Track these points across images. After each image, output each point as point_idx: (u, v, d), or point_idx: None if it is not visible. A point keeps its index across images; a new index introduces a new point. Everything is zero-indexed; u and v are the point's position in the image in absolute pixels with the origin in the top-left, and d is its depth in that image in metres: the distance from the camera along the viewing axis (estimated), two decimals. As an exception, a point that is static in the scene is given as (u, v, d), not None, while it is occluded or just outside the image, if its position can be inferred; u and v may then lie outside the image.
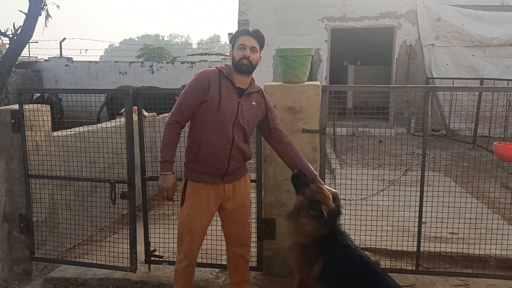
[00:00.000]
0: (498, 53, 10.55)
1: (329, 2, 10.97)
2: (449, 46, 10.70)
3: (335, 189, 2.70)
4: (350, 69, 12.71)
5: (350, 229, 3.24)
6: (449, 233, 3.71)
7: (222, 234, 2.98)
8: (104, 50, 36.24)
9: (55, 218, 3.86)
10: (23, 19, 9.77)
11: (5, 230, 3.66)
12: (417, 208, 3.31)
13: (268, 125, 2.75)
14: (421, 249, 3.42)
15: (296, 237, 2.62)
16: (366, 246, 3.67)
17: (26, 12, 9.75)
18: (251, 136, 2.82)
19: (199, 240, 2.75)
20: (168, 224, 3.67)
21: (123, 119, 4.69)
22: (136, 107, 3.58)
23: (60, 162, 3.74)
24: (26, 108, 3.54)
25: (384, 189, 3.33)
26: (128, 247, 3.50)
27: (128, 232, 3.53)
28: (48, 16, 10.93)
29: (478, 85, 9.16)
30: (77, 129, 4.32)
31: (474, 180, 3.71)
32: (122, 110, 4.60)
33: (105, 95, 8.11)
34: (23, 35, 9.87)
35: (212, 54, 18.87)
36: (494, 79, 9.87)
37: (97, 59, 18.33)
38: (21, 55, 11.60)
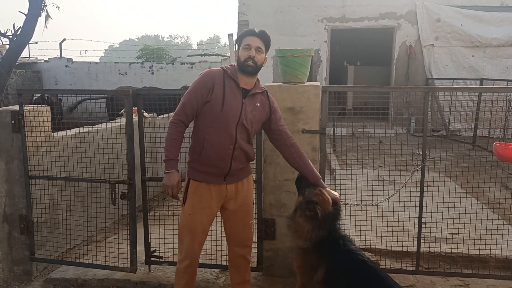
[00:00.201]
0: (498, 53, 10.56)
1: (329, 3, 10.98)
2: (449, 47, 10.70)
3: (335, 189, 2.71)
4: (350, 69, 12.73)
5: (350, 230, 3.24)
6: (449, 233, 3.71)
7: (222, 235, 2.98)
8: (104, 51, 36.27)
9: (55, 219, 3.87)
10: (23, 20, 9.77)
11: (5, 231, 3.66)
12: (417, 209, 3.31)
13: (271, 127, 2.75)
14: (421, 249, 3.42)
15: (297, 240, 2.62)
16: (366, 246, 3.67)
17: (26, 13, 9.75)
18: None
19: (201, 239, 2.75)
20: (168, 224, 3.67)
21: (123, 120, 4.69)
22: (136, 108, 3.58)
23: (60, 162, 3.74)
24: (26, 109, 3.55)
25: (394, 194, 3.32)
26: (128, 247, 3.50)
27: (128, 233, 3.53)
28: (48, 17, 10.93)
29: (478, 86, 9.16)
30: (77, 129, 4.32)
31: (474, 181, 3.71)
32: (122, 110, 4.60)
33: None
34: (23, 36, 9.87)
35: (212, 55, 18.86)
36: (494, 80, 9.88)
37: (97, 59, 18.34)
38: (21, 56, 11.61)
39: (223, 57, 15.41)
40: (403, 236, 3.52)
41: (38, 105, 3.72)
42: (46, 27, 11.22)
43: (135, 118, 3.60)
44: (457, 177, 5.37)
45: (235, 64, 2.69)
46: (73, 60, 14.59)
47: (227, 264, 3.27)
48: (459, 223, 3.43)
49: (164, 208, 5.37)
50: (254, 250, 3.29)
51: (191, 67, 13.76)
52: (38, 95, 9.86)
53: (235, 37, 11.34)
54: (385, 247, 3.61)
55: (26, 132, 3.52)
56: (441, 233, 3.53)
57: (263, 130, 3.03)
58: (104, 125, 4.68)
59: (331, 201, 2.59)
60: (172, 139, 2.61)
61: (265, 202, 3.40)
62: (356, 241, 3.36)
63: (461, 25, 10.52)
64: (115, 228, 4.58)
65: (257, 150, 3.30)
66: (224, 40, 47.95)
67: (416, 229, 3.37)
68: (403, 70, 10.94)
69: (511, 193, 5.30)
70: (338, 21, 11.03)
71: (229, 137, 2.59)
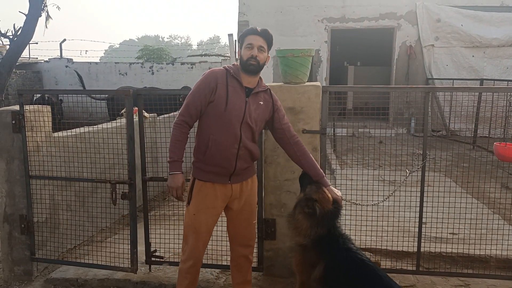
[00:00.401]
0: (498, 53, 10.55)
1: (329, 3, 10.98)
2: (449, 47, 10.70)
3: (336, 191, 2.70)
4: (350, 70, 12.73)
5: (350, 230, 3.24)
6: (449, 233, 3.71)
7: (223, 234, 2.98)
8: (104, 51, 36.27)
9: (56, 219, 3.87)
10: (23, 20, 9.78)
11: (5, 231, 3.66)
12: (418, 209, 3.31)
13: (274, 125, 2.76)
14: (422, 249, 3.42)
15: (296, 237, 2.63)
16: (366, 246, 3.67)
17: (26, 13, 9.76)
18: None
19: (205, 240, 2.75)
20: (169, 224, 3.68)
21: (123, 120, 4.69)
22: (136, 108, 3.59)
23: (61, 162, 3.75)
24: (27, 109, 3.55)
25: (392, 194, 3.32)
26: (129, 247, 3.50)
27: (129, 233, 3.53)
28: (48, 17, 10.95)
29: (478, 86, 9.16)
30: (77, 130, 4.32)
31: (474, 181, 3.71)
32: (123, 111, 4.61)
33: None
34: (23, 36, 9.88)
35: (212, 55, 18.88)
36: (494, 80, 9.89)
37: (97, 60, 18.35)
38: (21, 56, 11.62)
39: (223, 57, 15.41)
40: (403, 236, 3.52)
41: (39, 105, 3.73)
42: (46, 27, 11.24)
43: (136, 118, 3.60)
44: (458, 177, 5.37)
45: (237, 64, 2.70)
46: (74, 61, 14.60)
47: (228, 264, 3.28)
48: (459, 223, 3.44)
49: (164, 208, 5.37)
50: (254, 250, 3.30)
51: (191, 68, 13.76)
52: (39, 95, 9.87)
53: (235, 37, 11.36)
54: (385, 247, 3.61)
55: (26, 132, 3.52)
56: (442, 233, 3.53)
57: (263, 130, 3.03)
58: (104, 125, 4.68)
59: (331, 199, 2.59)
60: (176, 140, 2.61)
61: (265, 202, 3.40)
62: (356, 241, 3.37)
63: (461, 25, 10.52)
64: (115, 228, 4.58)
65: (258, 150, 3.30)
66: (224, 40, 47.96)
67: (417, 229, 3.37)
68: (403, 70, 10.94)
69: (511, 193, 5.30)
70: (338, 21, 11.03)
71: (233, 136, 2.59)
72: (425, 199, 3.31)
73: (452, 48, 10.70)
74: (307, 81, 3.36)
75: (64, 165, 3.76)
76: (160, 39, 62.14)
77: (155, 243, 3.61)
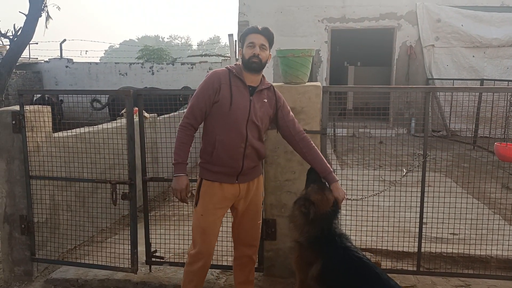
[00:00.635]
0: (498, 54, 10.55)
1: (329, 3, 10.98)
2: (449, 47, 10.70)
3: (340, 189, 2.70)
4: (350, 70, 12.73)
5: (351, 230, 3.24)
6: (450, 233, 3.71)
7: (223, 235, 2.97)
8: (104, 51, 36.28)
9: (56, 219, 3.86)
10: (24, 21, 9.78)
11: (6, 231, 3.66)
12: (418, 209, 3.31)
13: (279, 123, 2.76)
14: (422, 249, 3.41)
15: (293, 232, 2.65)
16: (367, 246, 3.67)
17: (26, 13, 9.76)
18: None
19: (213, 240, 2.73)
20: (169, 225, 3.68)
21: (124, 120, 4.69)
22: (137, 108, 3.58)
23: (61, 163, 3.74)
24: (27, 109, 3.55)
25: (384, 190, 3.33)
26: (129, 248, 3.50)
27: (129, 233, 3.53)
28: (48, 17, 10.95)
29: (478, 86, 9.16)
30: (78, 130, 4.32)
31: (475, 181, 3.71)
32: (123, 111, 4.60)
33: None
34: (23, 36, 9.88)
35: (212, 55, 18.87)
36: (495, 80, 9.89)
37: (97, 60, 18.35)
38: (22, 56, 11.62)
39: (223, 58, 15.41)
40: (404, 237, 3.52)
41: (39, 106, 3.72)
42: (46, 27, 11.23)
43: (136, 118, 3.60)
44: (458, 178, 5.37)
45: (239, 63, 2.70)
46: (74, 61, 14.61)
47: (228, 264, 3.28)
48: (460, 224, 3.43)
49: (165, 208, 5.37)
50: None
51: (192, 68, 13.76)
52: (39, 95, 9.87)
53: (235, 37, 11.36)
54: (386, 248, 3.61)
55: (27, 133, 3.52)
56: (442, 233, 3.53)
57: None
58: (105, 126, 4.68)
59: (331, 200, 2.59)
60: (181, 142, 2.61)
61: (266, 202, 3.39)
62: (357, 241, 3.37)
63: (462, 25, 10.52)
64: (115, 228, 4.57)
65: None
66: (225, 40, 47.96)
67: (417, 230, 3.36)
68: (403, 71, 10.93)
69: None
70: (339, 22, 11.03)
71: (239, 135, 2.59)
72: (425, 199, 3.30)
73: (453, 48, 10.70)
74: (308, 81, 3.35)
75: (64, 166, 3.76)
76: (160, 39, 62.18)
77: (156, 243, 3.61)
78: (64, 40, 15.71)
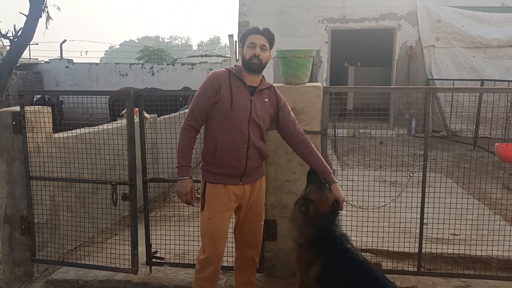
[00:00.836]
0: (499, 54, 10.55)
1: (329, 4, 10.98)
2: (450, 47, 10.70)
3: (341, 190, 2.70)
4: (351, 70, 12.73)
5: (352, 230, 3.24)
6: (450, 234, 3.70)
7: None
8: (104, 52, 36.32)
9: (56, 220, 3.86)
10: (24, 21, 9.78)
11: (6, 232, 3.66)
12: (419, 209, 3.31)
13: (280, 123, 2.75)
14: (423, 250, 3.41)
15: (293, 232, 2.65)
16: (367, 247, 3.67)
17: (26, 14, 9.77)
18: None
19: (222, 244, 2.71)
20: (170, 225, 3.67)
21: (124, 121, 4.69)
22: (137, 109, 3.58)
23: (61, 163, 3.74)
24: (28, 110, 3.55)
25: (397, 197, 3.31)
26: (130, 248, 3.49)
27: (129, 234, 3.52)
28: (48, 18, 10.95)
29: (479, 86, 9.16)
30: (78, 130, 4.32)
31: (475, 181, 3.70)
32: (123, 111, 4.61)
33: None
34: (23, 37, 9.89)
35: (212, 56, 18.89)
36: (495, 80, 9.88)
37: (97, 61, 18.36)
38: (22, 57, 11.62)
39: (223, 58, 15.41)
40: (404, 237, 3.51)
41: (39, 106, 3.72)
42: (46, 28, 11.24)
43: (136, 119, 3.60)
44: (459, 178, 5.36)
45: (239, 64, 2.69)
46: (74, 61, 14.63)
47: (228, 264, 3.27)
48: (460, 224, 3.43)
49: (165, 209, 5.37)
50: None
51: (192, 68, 13.77)
52: (39, 96, 9.87)
53: (235, 38, 11.36)
54: (386, 248, 3.61)
55: (27, 133, 3.52)
56: (443, 234, 3.52)
57: None
58: (105, 126, 4.68)
59: (331, 199, 2.58)
60: (183, 145, 2.60)
61: (266, 203, 3.38)
62: (358, 242, 3.37)
63: (462, 25, 10.52)
64: (116, 229, 4.57)
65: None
66: (225, 41, 47.98)
67: (418, 230, 3.36)
68: (403, 71, 10.93)
69: (512, 194, 5.29)
70: (339, 22, 11.03)
71: (242, 135, 2.58)
72: (426, 200, 3.30)
73: (453, 48, 10.70)
74: (308, 82, 3.35)
75: (64, 166, 3.76)
76: (160, 39, 62.23)
77: (156, 244, 3.60)
78: (64, 40, 15.74)
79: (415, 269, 3.40)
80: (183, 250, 3.61)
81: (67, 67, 14.32)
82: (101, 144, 3.85)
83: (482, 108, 8.09)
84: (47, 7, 10.47)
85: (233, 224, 2.87)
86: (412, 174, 3.31)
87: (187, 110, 2.81)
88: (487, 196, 4.87)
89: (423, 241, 3.38)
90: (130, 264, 3.49)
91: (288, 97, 3.23)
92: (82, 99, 3.86)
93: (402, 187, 3.35)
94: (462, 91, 3.68)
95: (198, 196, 2.75)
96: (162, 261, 3.59)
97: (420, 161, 3.30)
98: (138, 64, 14.94)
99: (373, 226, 3.41)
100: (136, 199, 3.48)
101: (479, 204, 3.97)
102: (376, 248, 3.69)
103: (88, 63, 14.60)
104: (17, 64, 11.23)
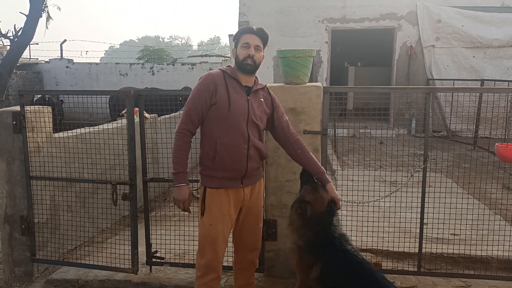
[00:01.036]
0: (499, 54, 10.55)
1: (330, 4, 10.98)
2: (450, 47, 10.70)
3: (336, 190, 2.70)
4: (351, 70, 12.73)
5: (351, 230, 3.24)
6: (450, 234, 3.70)
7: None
8: (104, 52, 36.33)
9: (56, 220, 3.86)
10: (24, 21, 9.78)
11: (6, 232, 3.66)
12: (419, 209, 3.31)
13: (274, 124, 2.72)
14: (423, 250, 3.41)
15: (292, 234, 2.65)
16: (367, 247, 3.67)
17: (26, 14, 9.77)
18: None
19: (223, 249, 2.67)
20: (170, 225, 3.67)
21: (124, 121, 4.69)
22: (137, 109, 3.58)
23: (62, 163, 3.74)
24: (28, 110, 3.55)
25: (392, 193, 3.32)
26: (130, 248, 3.49)
27: (130, 234, 3.52)
28: (48, 17, 10.96)
29: (479, 86, 9.16)
30: (78, 130, 4.32)
31: (475, 181, 3.71)
32: (124, 111, 4.61)
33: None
34: (24, 36, 9.89)
35: (212, 56, 18.90)
36: (495, 80, 9.88)
37: (98, 60, 18.37)
38: (22, 56, 11.62)
39: (224, 58, 15.42)
40: (404, 237, 3.51)
41: (39, 106, 3.72)
42: (47, 28, 11.25)
43: (137, 119, 3.60)
44: (459, 178, 5.36)
45: (232, 65, 2.67)
46: (74, 61, 14.64)
47: (228, 265, 3.27)
48: (460, 224, 3.43)
49: (165, 208, 5.37)
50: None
51: (192, 68, 13.78)
52: (39, 96, 9.87)
53: (235, 38, 11.35)
54: (386, 248, 3.61)
55: (27, 133, 3.52)
56: (443, 234, 3.52)
57: (263, 131, 3.01)
58: (105, 126, 4.68)
59: (327, 200, 2.58)
60: (179, 150, 2.53)
61: (266, 203, 3.39)
62: (357, 242, 3.37)
63: (462, 25, 10.52)
64: (116, 229, 4.57)
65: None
66: (225, 41, 48.03)
67: (418, 230, 3.36)
68: (403, 71, 10.93)
69: (512, 194, 5.29)
70: (339, 22, 11.03)
71: (241, 136, 2.54)
72: (426, 199, 3.30)
73: (453, 48, 10.70)
74: (308, 82, 3.35)
75: (64, 166, 3.76)
76: (161, 39, 62.25)
77: (156, 244, 3.60)
78: (65, 40, 15.75)
79: (415, 269, 3.40)
80: (183, 250, 3.61)
81: (67, 67, 14.33)
82: (101, 144, 3.85)
83: (482, 108, 8.10)
84: (47, 7, 10.48)
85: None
86: (413, 174, 3.31)
87: None
88: (487, 196, 4.87)
89: (423, 241, 3.38)
90: (130, 264, 3.49)
91: (289, 97, 3.24)
92: (82, 99, 3.85)
93: (402, 184, 3.34)
94: (462, 91, 3.68)
95: (198, 196, 2.73)
96: (162, 261, 3.59)
97: (420, 161, 3.29)
98: (138, 64, 14.95)
99: (373, 226, 3.41)
100: (136, 199, 3.48)
101: (479, 204, 3.97)
102: (376, 248, 3.69)
103: (88, 63, 14.61)
104: (17, 64, 11.24)
